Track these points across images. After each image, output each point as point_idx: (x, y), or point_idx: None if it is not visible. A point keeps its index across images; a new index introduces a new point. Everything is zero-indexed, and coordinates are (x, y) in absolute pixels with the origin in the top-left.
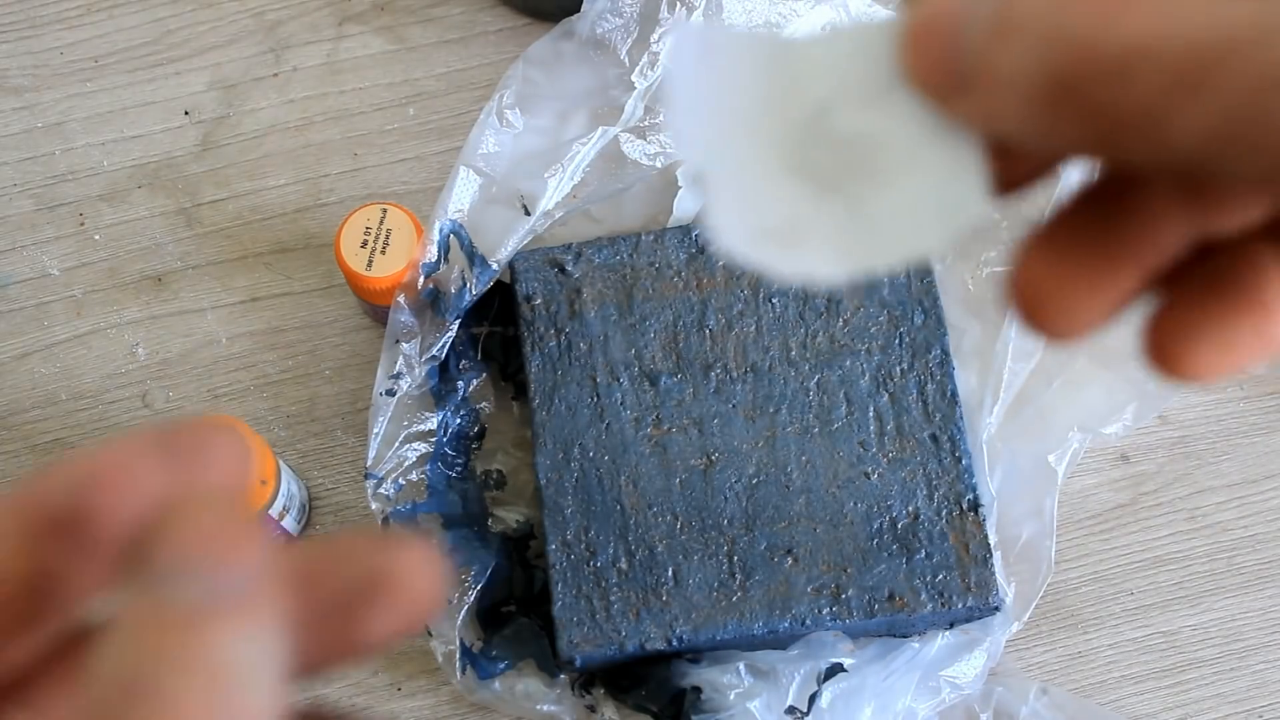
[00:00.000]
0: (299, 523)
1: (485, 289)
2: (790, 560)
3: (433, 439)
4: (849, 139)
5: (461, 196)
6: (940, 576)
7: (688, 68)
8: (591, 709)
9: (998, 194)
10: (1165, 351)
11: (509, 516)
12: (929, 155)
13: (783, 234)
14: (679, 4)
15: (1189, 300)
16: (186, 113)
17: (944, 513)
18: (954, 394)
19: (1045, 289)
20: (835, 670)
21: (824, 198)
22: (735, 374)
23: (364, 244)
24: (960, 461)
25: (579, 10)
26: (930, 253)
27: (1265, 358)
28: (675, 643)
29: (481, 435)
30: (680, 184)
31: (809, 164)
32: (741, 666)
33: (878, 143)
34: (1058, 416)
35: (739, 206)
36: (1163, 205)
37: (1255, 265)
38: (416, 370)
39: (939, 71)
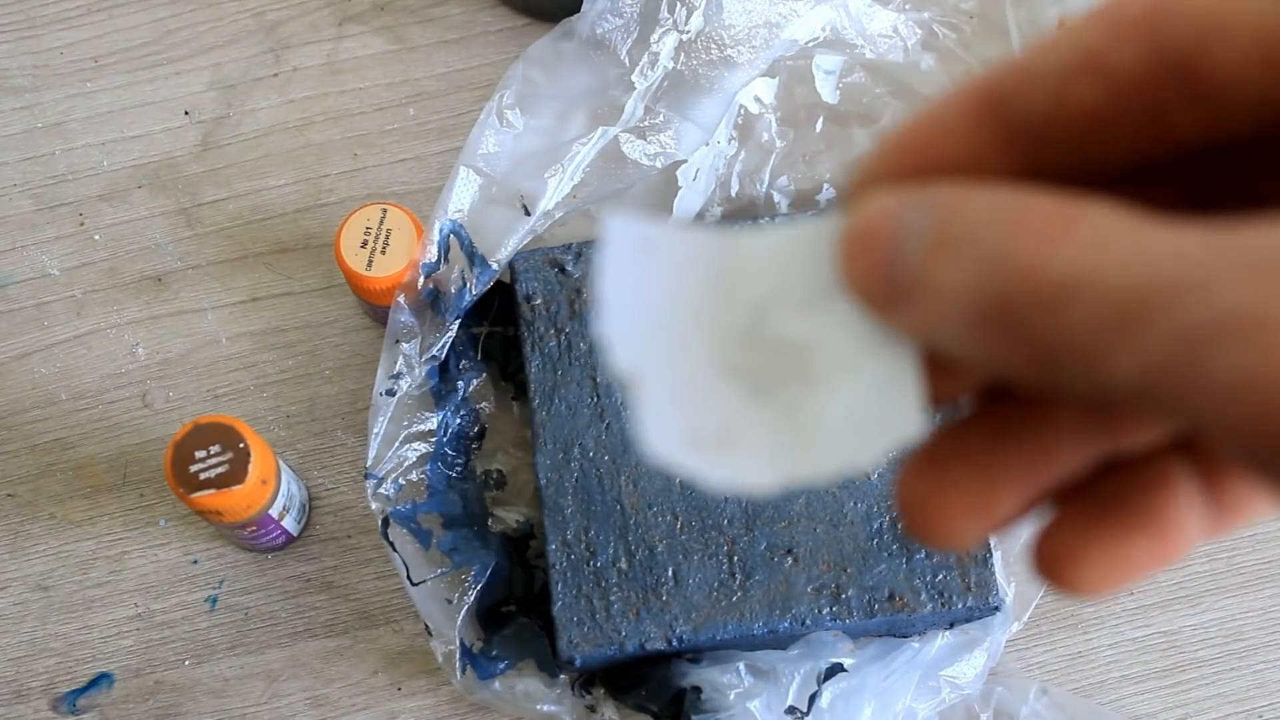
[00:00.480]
0: (299, 522)
1: (485, 289)
2: (790, 560)
3: (433, 439)
4: (786, 343)
5: (462, 196)
6: (940, 576)
7: (621, 264)
8: (591, 709)
9: (934, 405)
10: (1054, 565)
11: (509, 516)
12: (865, 365)
13: (714, 439)
14: (679, 4)
15: (1083, 514)
16: (186, 113)
17: None
18: None
19: (928, 504)
20: (835, 670)
21: (758, 402)
22: None
23: (364, 244)
24: None
25: (579, 10)
26: (865, 466)
27: (1157, 572)
28: (675, 642)
29: (481, 435)
30: (680, 184)
31: (744, 367)
32: (741, 666)
33: (814, 348)
34: None
35: (670, 410)
36: (1063, 426)
37: (1160, 482)
38: (416, 370)
39: (876, 281)
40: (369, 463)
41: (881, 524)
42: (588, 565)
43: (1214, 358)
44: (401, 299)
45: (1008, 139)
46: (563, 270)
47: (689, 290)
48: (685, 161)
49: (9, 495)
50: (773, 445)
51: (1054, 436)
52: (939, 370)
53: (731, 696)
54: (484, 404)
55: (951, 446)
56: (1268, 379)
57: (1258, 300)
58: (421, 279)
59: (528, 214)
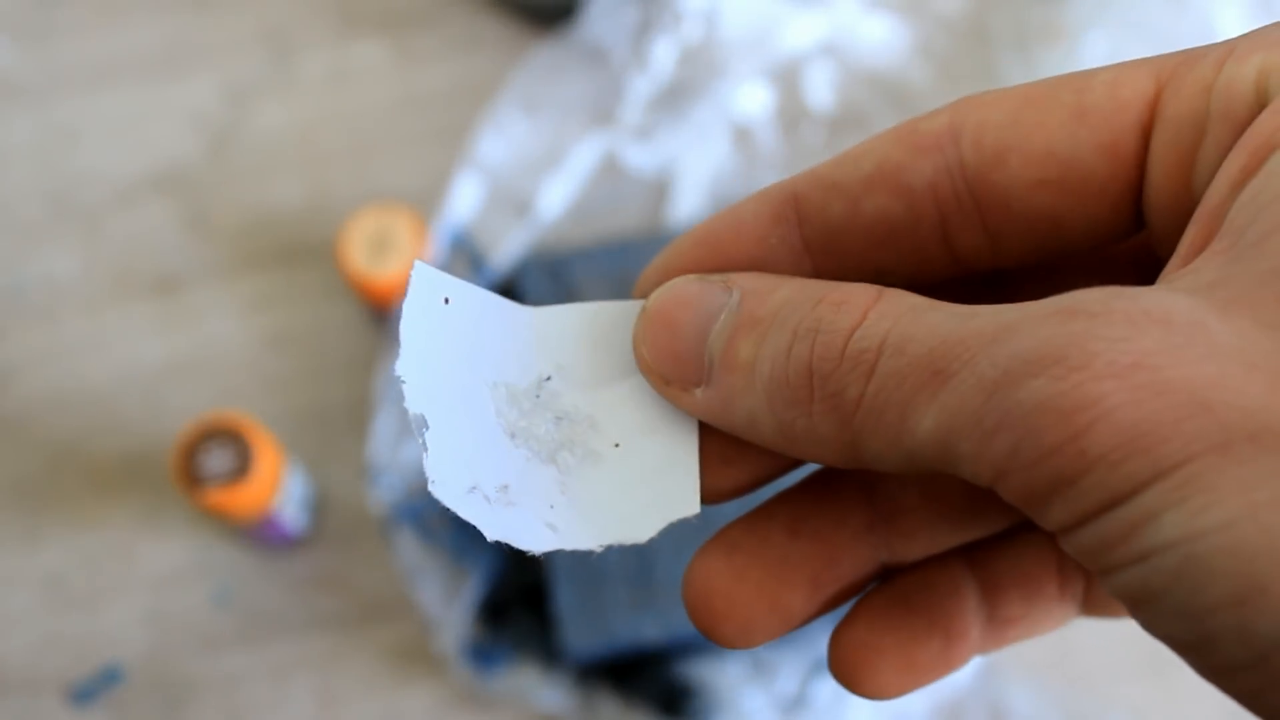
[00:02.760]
0: (304, 520)
1: None
2: None
3: None
4: (570, 414)
5: (463, 201)
6: None
7: (422, 310)
8: (591, 704)
9: (719, 496)
10: (847, 668)
11: None
12: (646, 444)
13: (494, 493)
14: (678, 13)
15: (876, 619)
16: (196, 120)
17: None
18: None
19: (719, 601)
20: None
21: (539, 467)
22: None
23: (367, 246)
24: None
25: (579, 18)
26: (639, 540)
27: (943, 676)
28: (674, 638)
29: None
30: (677, 188)
31: (529, 431)
32: (739, 661)
33: (597, 424)
34: None
35: (455, 457)
36: (852, 529)
37: (950, 588)
38: None
39: (676, 362)
40: (372, 461)
41: None
42: (587, 562)
43: (1015, 393)
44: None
45: (803, 244)
46: (562, 272)
47: (484, 350)
48: (682, 166)
49: (21, 494)
50: (549, 510)
51: (841, 535)
52: (726, 460)
53: (730, 691)
54: None
55: (743, 540)
56: (1065, 401)
57: (1055, 339)
58: None
59: (528, 217)
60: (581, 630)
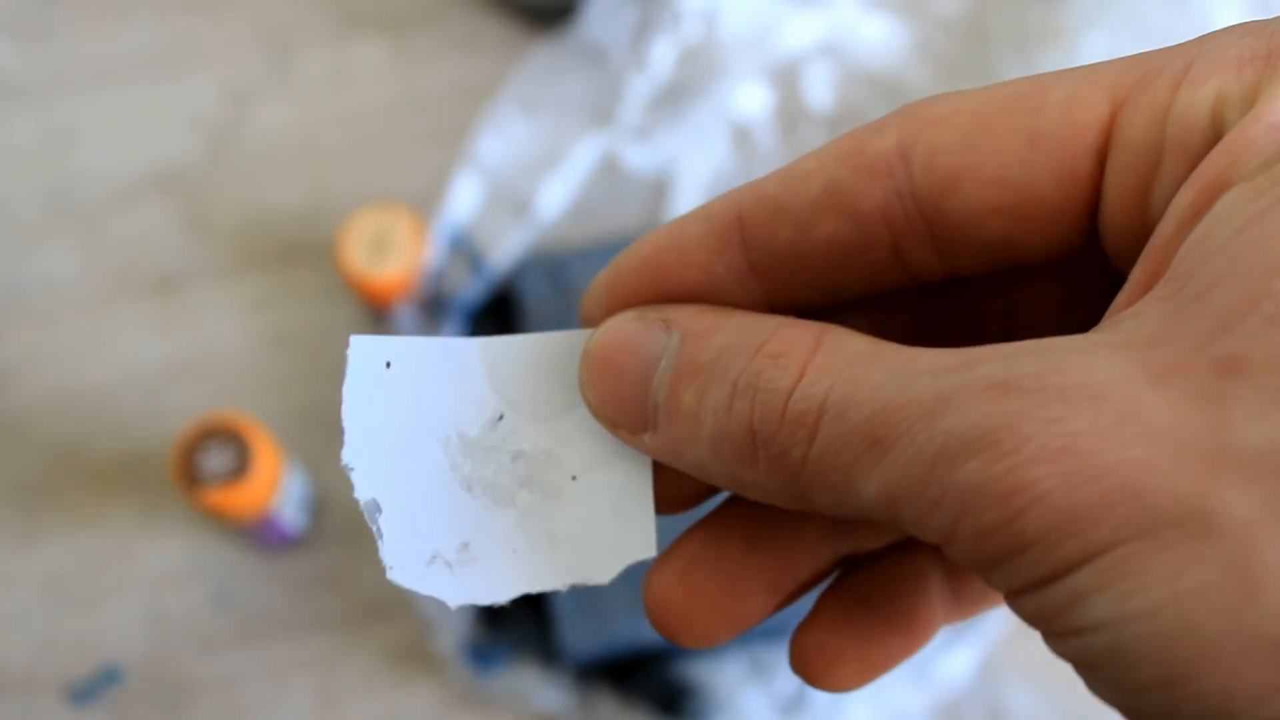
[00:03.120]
0: (303, 520)
1: (486, 291)
2: None
3: None
4: (526, 450)
5: (463, 200)
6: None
7: (361, 386)
8: (591, 704)
9: (677, 507)
10: (810, 665)
11: None
12: (602, 481)
13: (455, 556)
14: (677, 13)
15: (836, 614)
16: (195, 120)
17: None
18: None
19: (678, 609)
20: None
21: (497, 511)
22: None
23: (366, 246)
24: None
25: (578, 17)
26: (600, 581)
27: (905, 660)
28: None
29: None
30: (676, 188)
31: (484, 477)
32: (737, 661)
33: (553, 456)
34: None
35: (411, 532)
36: (808, 532)
37: (910, 579)
38: None
39: (620, 406)
40: None
41: None
42: None
43: (952, 472)
44: (403, 301)
45: (748, 266)
46: (562, 272)
47: (433, 402)
48: (682, 166)
49: (20, 494)
50: (511, 556)
51: (799, 542)
52: (679, 476)
53: (728, 690)
54: None
55: (701, 553)
56: (1000, 485)
57: (989, 419)
58: (423, 281)
59: (528, 217)
60: (580, 630)
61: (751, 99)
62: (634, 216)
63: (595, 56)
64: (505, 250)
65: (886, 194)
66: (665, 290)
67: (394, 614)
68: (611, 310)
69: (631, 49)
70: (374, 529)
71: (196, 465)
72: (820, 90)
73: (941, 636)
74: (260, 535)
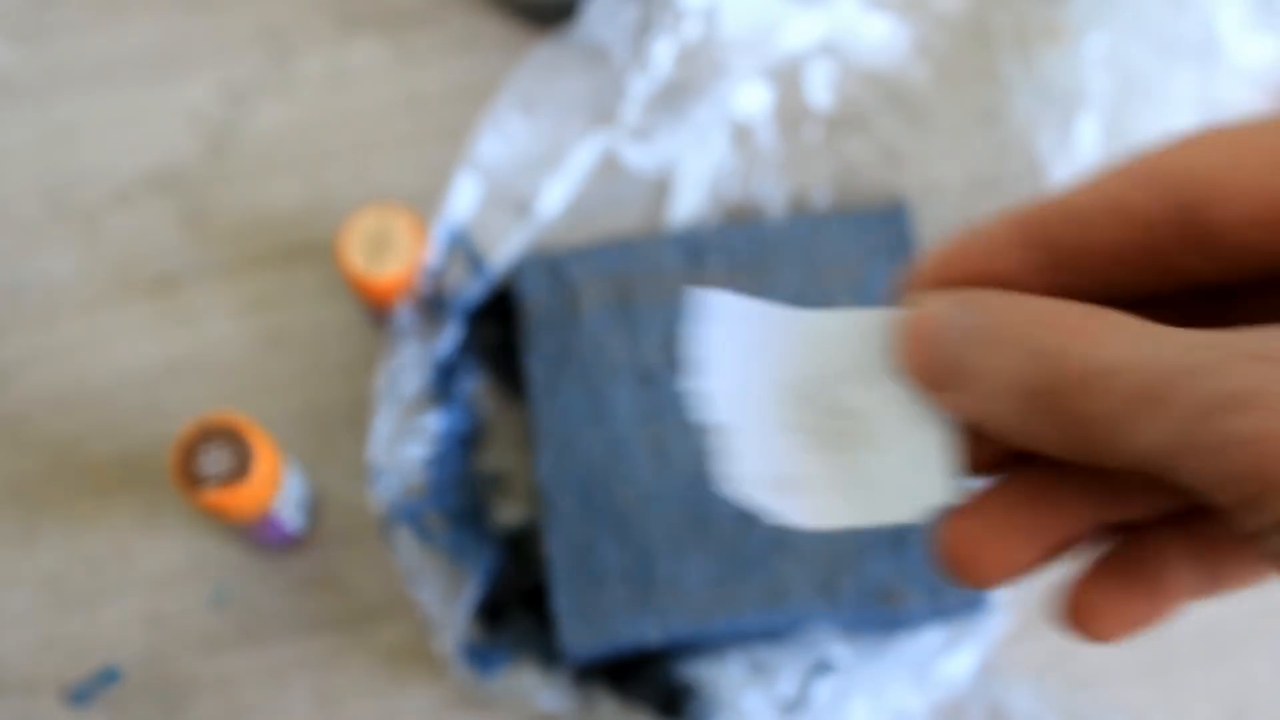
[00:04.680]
0: (302, 521)
1: (486, 291)
2: (785, 556)
3: (434, 439)
4: (847, 409)
5: (463, 200)
6: (934, 571)
7: (716, 332)
8: (591, 705)
9: (972, 473)
10: (1076, 618)
11: (509, 514)
12: (911, 436)
13: (785, 484)
14: (677, 12)
15: (1100, 577)
16: (194, 119)
17: None
18: None
19: (964, 552)
20: (829, 665)
21: (822, 456)
22: None
23: (366, 247)
24: None
25: (579, 17)
26: (906, 521)
27: (1157, 625)
28: (673, 638)
29: (482, 435)
30: (676, 189)
31: (812, 426)
32: (737, 661)
33: (870, 416)
34: None
35: (749, 457)
36: (1078, 497)
37: (1160, 552)
38: (418, 371)
39: (932, 368)
40: (371, 462)
41: None
42: (587, 563)
43: (1218, 427)
44: (403, 301)
45: (1043, 262)
46: (562, 273)
47: (769, 358)
48: (682, 166)
49: (19, 494)
50: (831, 494)
51: (1070, 508)
52: (979, 440)
53: (728, 691)
54: (484, 404)
55: (989, 507)
56: (1261, 438)
57: (1251, 382)
58: (422, 281)
59: (527, 217)
60: (580, 631)
61: (752, 98)
62: (634, 216)
63: (595, 56)
64: (505, 249)
65: (1162, 206)
66: (975, 277)
67: (393, 614)
68: (939, 284)
69: (632, 48)
70: (718, 446)
71: (195, 466)
72: (821, 89)
73: (942, 637)
74: (259, 535)
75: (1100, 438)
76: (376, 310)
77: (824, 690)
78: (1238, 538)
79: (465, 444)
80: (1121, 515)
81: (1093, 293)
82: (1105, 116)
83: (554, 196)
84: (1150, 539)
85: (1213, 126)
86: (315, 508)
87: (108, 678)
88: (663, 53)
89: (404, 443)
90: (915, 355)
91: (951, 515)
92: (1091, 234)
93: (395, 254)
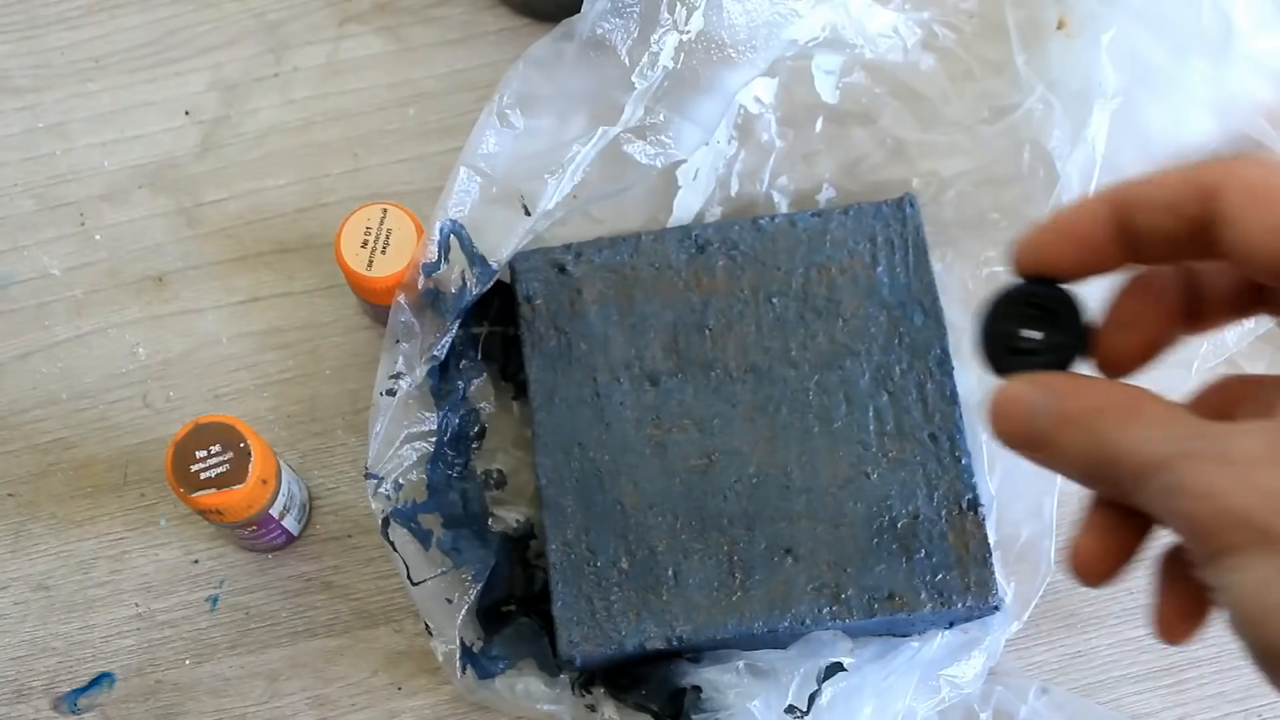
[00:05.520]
0: (299, 522)
1: (485, 289)
2: (790, 560)
3: (433, 439)
4: None
5: (462, 197)
6: (940, 576)
7: None
8: (591, 708)
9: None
10: (1164, 632)
11: (509, 516)
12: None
13: None
14: (679, 5)
15: (1169, 591)
16: (187, 113)
17: (943, 512)
18: (953, 394)
19: (1086, 559)
20: (835, 669)
21: None
22: (735, 374)
23: (364, 244)
24: (960, 461)
25: (579, 11)
26: None
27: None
28: (675, 642)
29: (481, 435)
30: (680, 184)
31: None
32: (741, 666)
33: None
34: None
35: None
36: (1135, 524)
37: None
38: (417, 370)
39: (1018, 439)
40: (369, 462)
41: (881, 523)
42: (588, 565)
43: (1174, 496)
44: (402, 299)
45: (1121, 235)
46: (563, 270)
47: None
48: (685, 161)
49: (10, 495)
50: None
51: (1132, 530)
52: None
53: (731, 696)
54: (484, 404)
55: (1094, 527)
56: (1190, 514)
57: (1187, 474)
58: (422, 279)
59: (528, 214)
60: (580, 634)
61: (757, 91)
62: (637, 212)
63: (598, 49)
64: (507, 245)
65: (1202, 210)
66: (1072, 246)
67: (391, 618)
68: (1042, 253)
69: (635, 41)
70: None
71: (191, 467)
72: (826, 82)
73: (949, 642)
74: (255, 538)
75: (1124, 492)
76: (375, 309)
77: (830, 696)
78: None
79: (465, 444)
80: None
81: (1147, 259)
82: (1117, 110)
83: (556, 191)
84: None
85: (1249, 161)
86: (312, 510)
87: (101, 683)
88: (666, 46)
89: (403, 443)
90: (1004, 426)
91: (1079, 533)
92: (1152, 220)
93: (394, 252)
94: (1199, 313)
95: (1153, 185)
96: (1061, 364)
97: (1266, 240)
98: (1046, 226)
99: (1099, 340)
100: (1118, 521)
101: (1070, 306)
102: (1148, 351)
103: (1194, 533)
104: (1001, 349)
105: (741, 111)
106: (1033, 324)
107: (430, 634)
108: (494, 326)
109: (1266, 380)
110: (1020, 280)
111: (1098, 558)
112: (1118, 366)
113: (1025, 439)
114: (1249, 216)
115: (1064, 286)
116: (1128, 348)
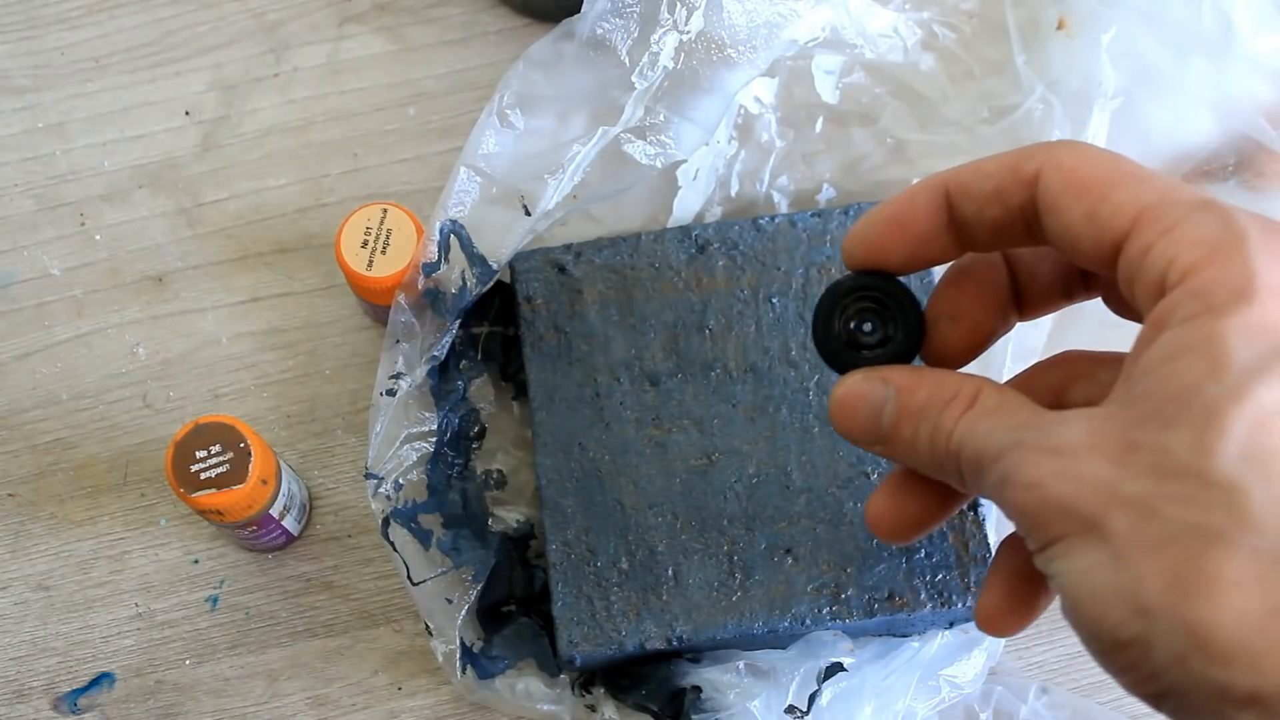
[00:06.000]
0: (299, 522)
1: (485, 289)
2: (790, 560)
3: (433, 439)
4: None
5: (462, 197)
6: (940, 576)
7: None
8: (591, 708)
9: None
10: (985, 621)
11: (509, 516)
12: None
13: None
14: (679, 5)
15: (998, 587)
16: (187, 113)
17: None
18: None
19: (886, 516)
20: (835, 669)
21: None
22: (735, 374)
23: (364, 244)
24: None
25: (579, 11)
26: None
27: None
28: (675, 642)
29: (481, 435)
30: (680, 184)
31: None
32: (741, 666)
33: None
34: None
35: None
36: (948, 491)
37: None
38: (416, 370)
39: (861, 431)
40: (369, 462)
41: None
42: (588, 565)
43: (1005, 487)
44: (402, 299)
45: (947, 224)
46: (563, 270)
47: None
48: (685, 161)
49: (10, 495)
50: None
51: (946, 496)
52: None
53: (731, 696)
54: (484, 404)
55: (897, 489)
56: (1020, 504)
57: (1018, 465)
58: (422, 279)
59: (528, 214)
60: (580, 634)
61: (757, 91)
62: (637, 212)
63: (598, 49)
64: (506, 245)
65: (1024, 199)
66: (902, 235)
67: (391, 617)
68: (873, 246)
69: (635, 42)
70: None
71: (191, 468)
72: (826, 82)
73: (949, 642)
74: (255, 538)
75: (966, 483)
76: (375, 309)
77: (830, 696)
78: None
79: (465, 444)
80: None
81: (979, 247)
82: (1117, 110)
83: (556, 192)
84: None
85: (1066, 144)
86: (312, 509)
87: (101, 683)
88: (666, 46)
89: (403, 443)
90: (849, 424)
91: (875, 494)
92: (979, 209)
93: (394, 252)
94: (1026, 299)
95: (978, 174)
96: (899, 357)
97: (1086, 228)
98: (875, 218)
99: (927, 334)
100: (922, 487)
101: (905, 298)
102: (976, 342)
103: (1025, 523)
104: (838, 344)
105: (741, 111)
106: (868, 317)
107: (430, 634)
108: (494, 326)
109: (1104, 359)
110: (852, 274)
111: (893, 517)
112: (948, 359)
113: (869, 435)
114: (1067, 203)
115: (898, 279)
116: (955, 339)
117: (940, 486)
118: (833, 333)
